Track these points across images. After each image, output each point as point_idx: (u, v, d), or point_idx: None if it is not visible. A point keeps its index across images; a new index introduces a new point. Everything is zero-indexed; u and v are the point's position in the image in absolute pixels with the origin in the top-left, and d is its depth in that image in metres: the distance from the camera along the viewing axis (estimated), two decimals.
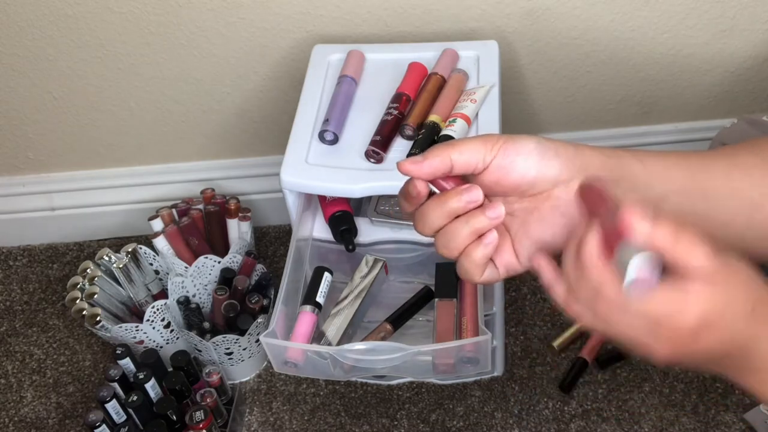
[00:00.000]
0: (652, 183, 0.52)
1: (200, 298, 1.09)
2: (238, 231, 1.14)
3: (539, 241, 0.52)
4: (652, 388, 1.05)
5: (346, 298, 0.93)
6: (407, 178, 0.52)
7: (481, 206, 0.51)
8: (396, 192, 0.92)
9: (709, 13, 1.06)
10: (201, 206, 1.15)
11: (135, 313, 1.09)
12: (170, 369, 0.99)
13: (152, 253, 1.11)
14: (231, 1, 1.03)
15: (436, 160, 0.50)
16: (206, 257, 1.08)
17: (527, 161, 0.50)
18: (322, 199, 0.96)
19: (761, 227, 0.53)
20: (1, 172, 1.27)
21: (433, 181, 0.52)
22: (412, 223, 0.53)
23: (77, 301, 1.04)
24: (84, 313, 1.03)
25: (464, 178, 0.53)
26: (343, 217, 0.94)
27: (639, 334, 0.46)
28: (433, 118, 0.92)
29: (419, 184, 0.51)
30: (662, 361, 0.47)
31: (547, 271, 0.51)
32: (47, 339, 1.19)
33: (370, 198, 0.97)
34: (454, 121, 0.91)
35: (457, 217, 0.51)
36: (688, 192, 0.53)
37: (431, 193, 0.52)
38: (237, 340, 1.03)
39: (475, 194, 0.50)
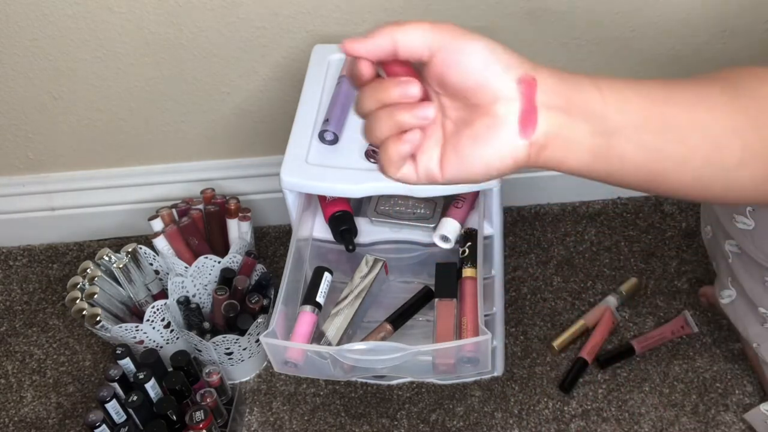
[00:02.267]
0: (608, 114, 0.49)
1: (200, 298, 1.09)
2: (238, 231, 1.14)
3: (466, 163, 0.49)
4: (652, 388, 1.05)
5: (346, 298, 0.93)
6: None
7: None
8: (396, 192, 0.92)
9: (709, 13, 1.06)
10: (201, 206, 1.15)
11: (135, 313, 1.09)
12: (170, 369, 0.99)
13: (152, 253, 1.11)
14: (231, 1, 1.03)
15: (378, 38, 0.47)
16: (206, 257, 1.08)
17: (472, 61, 0.47)
18: (322, 199, 0.96)
19: (720, 166, 0.51)
20: (1, 172, 1.27)
21: (385, 67, 0.49)
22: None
23: (77, 301, 1.04)
24: (84, 313, 1.03)
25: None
26: (343, 217, 0.94)
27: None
28: None
29: (363, 66, 0.48)
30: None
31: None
32: (47, 339, 1.20)
33: (370, 198, 0.97)
34: None
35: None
36: (646, 123, 0.49)
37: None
38: (237, 340, 1.03)
39: (412, 89, 0.47)
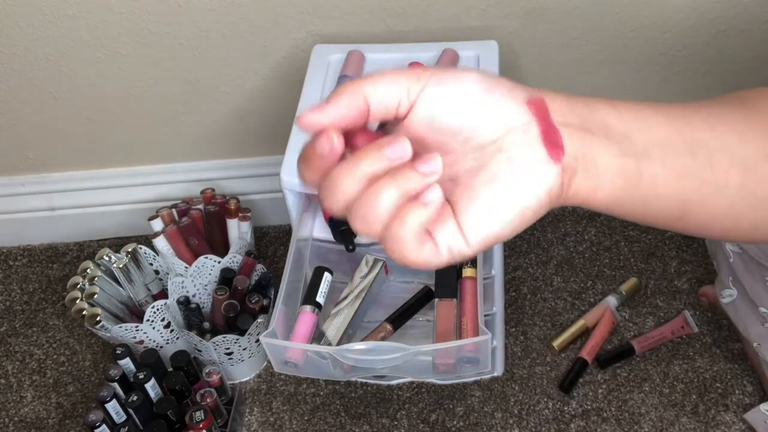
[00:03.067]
0: (630, 132, 0.42)
1: (200, 298, 1.09)
2: (238, 231, 1.14)
3: (492, 208, 0.39)
4: (652, 388, 1.05)
5: (346, 298, 0.93)
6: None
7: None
8: None
9: (709, 13, 1.06)
10: (201, 206, 1.15)
11: (135, 313, 1.09)
12: (170, 369, 0.99)
13: (152, 253, 1.11)
14: (231, 1, 1.03)
15: (344, 98, 0.38)
16: (206, 257, 1.08)
17: (469, 89, 0.39)
18: None
19: (755, 193, 0.46)
20: (1, 172, 1.27)
21: (347, 140, 0.39)
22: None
23: (77, 301, 1.04)
24: (84, 313, 1.03)
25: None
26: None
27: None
28: None
29: (332, 139, 0.38)
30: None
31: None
32: (47, 339, 1.19)
33: None
34: None
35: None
36: (672, 144, 0.44)
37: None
38: (237, 340, 1.03)
39: (402, 147, 0.37)
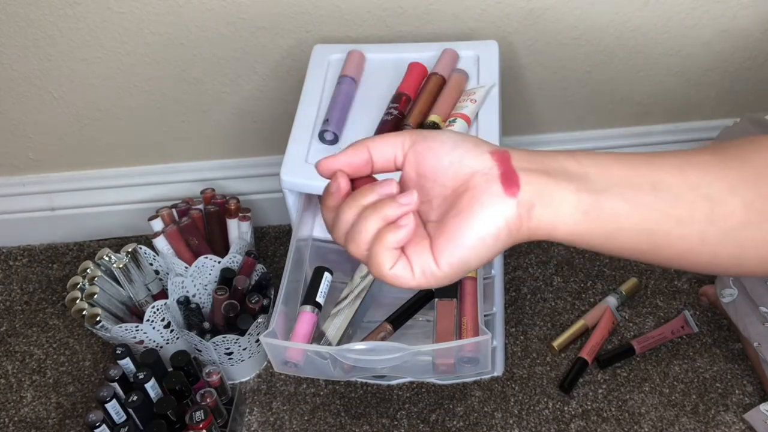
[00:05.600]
0: (589, 176, 0.48)
1: (200, 298, 1.09)
2: (238, 231, 1.14)
3: (459, 242, 0.47)
4: (652, 388, 1.05)
5: (346, 298, 0.93)
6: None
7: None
8: None
9: (709, 13, 1.06)
10: (201, 206, 1.15)
11: (135, 313, 1.09)
12: (170, 369, 0.99)
13: (152, 253, 1.11)
14: (231, 1, 1.03)
15: (350, 151, 0.50)
16: (206, 257, 1.08)
17: (444, 144, 0.49)
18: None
19: (725, 225, 0.47)
20: (1, 172, 1.27)
21: (354, 185, 0.51)
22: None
23: (77, 301, 1.04)
24: (84, 313, 1.03)
25: None
26: None
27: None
28: (433, 118, 0.92)
29: (342, 181, 0.50)
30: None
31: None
32: (47, 339, 1.20)
33: None
34: (454, 121, 0.91)
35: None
36: (632, 183, 0.48)
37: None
38: (237, 340, 1.03)
39: (389, 185, 0.48)
